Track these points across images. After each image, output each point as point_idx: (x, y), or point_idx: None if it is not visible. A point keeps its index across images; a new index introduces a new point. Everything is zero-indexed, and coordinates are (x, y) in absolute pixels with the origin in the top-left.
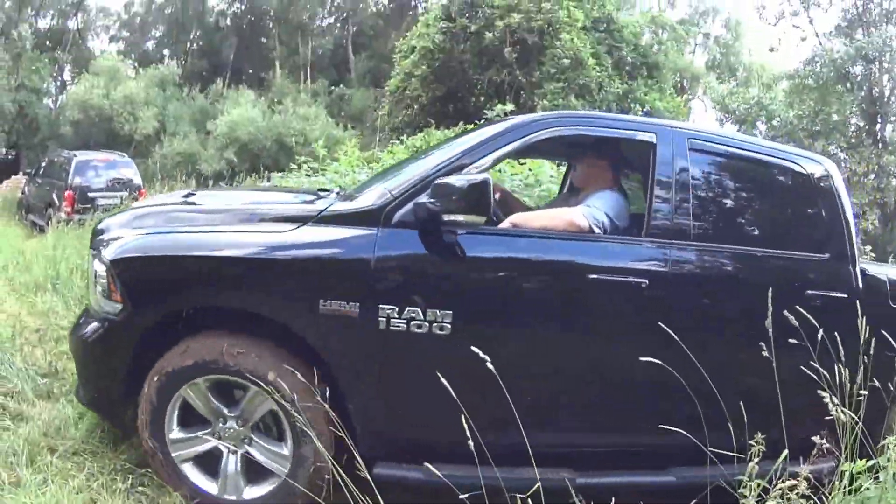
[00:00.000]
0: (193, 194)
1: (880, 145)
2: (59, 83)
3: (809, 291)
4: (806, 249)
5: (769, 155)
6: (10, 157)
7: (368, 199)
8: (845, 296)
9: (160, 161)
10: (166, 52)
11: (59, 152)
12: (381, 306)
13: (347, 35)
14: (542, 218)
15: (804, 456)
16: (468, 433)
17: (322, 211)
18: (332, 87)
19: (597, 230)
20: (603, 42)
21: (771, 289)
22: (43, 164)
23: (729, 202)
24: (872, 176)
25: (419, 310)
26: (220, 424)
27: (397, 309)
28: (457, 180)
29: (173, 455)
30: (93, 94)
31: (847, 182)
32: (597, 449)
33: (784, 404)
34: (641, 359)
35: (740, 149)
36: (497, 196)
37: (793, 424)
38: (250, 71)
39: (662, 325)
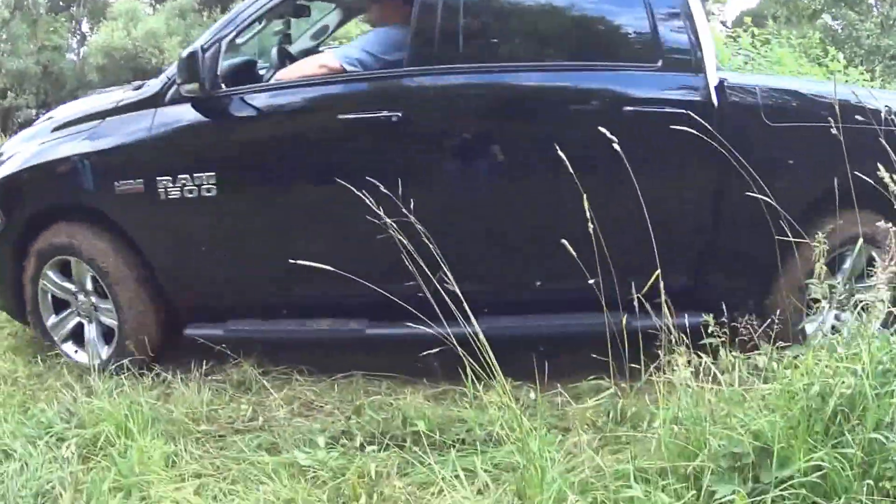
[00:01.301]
0: (52, 111)
1: None
2: (78, 37)
3: (628, 108)
4: (627, 59)
5: None
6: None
7: (152, 83)
8: (682, 111)
9: None
10: None
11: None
12: (158, 178)
13: None
14: (301, 67)
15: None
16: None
17: (119, 102)
18: None
19: (350, 69)
20: None
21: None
22: None
23: (518, 15)
24: None
25: (188, 176)
26: (77, 301)
27: (171, 178)
28: (182, 52)
29: (55, 338)
30: (114, 38)
31: None
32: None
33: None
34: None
35: None
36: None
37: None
38: None
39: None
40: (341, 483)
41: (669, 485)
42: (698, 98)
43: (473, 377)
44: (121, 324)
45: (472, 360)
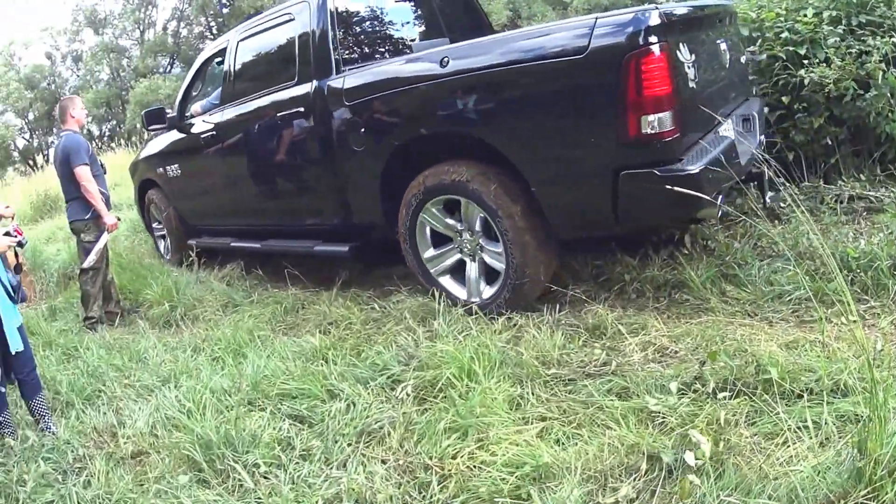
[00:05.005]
0: None
1: None
2: None
3: (280, 113)
4: (282, 81)
5: None
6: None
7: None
8: (300, 108)
9: None
10: None
11: None
12: (164, 167)
13: None
14: None
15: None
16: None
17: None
18: None
19: (203, 111)
20: None
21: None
22: None
23: (246, 69)
24: None
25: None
26: None
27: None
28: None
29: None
30: None
31: None
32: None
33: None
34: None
35: None
36: None
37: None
38: None
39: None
40: (688, 430)
41: None
42: (310, 98)
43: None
44: None
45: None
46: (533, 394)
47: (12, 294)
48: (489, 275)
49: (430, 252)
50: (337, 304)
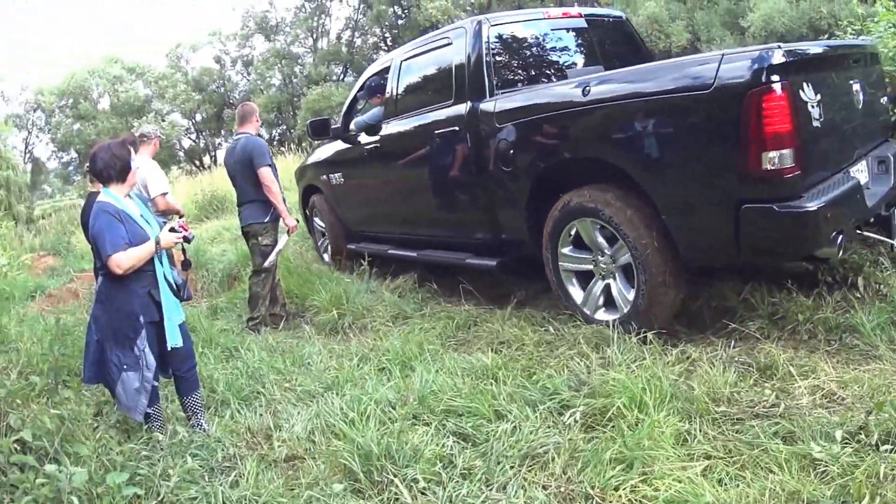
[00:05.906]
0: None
1: None
2: None
3: (436, 131)
4: (440, 101)
5: None
6: None
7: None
8: (456, 127)
9: None
10: None
11: None
12: (328, 175)
13: None
14: None
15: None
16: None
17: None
18: None
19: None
20: None
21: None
22: None
23: (407, 90)
24: None
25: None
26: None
27: (328, 174)
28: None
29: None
30: None
31: None
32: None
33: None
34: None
35: None
36: None
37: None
38: None
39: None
40: (848, 481)
41: None
42: (464, 118)
43: None
44: None
45: None
46: (700, 430)
47: (176, 291)
48: (629, 281)
49: (581, 296)
50: (510, 323)
